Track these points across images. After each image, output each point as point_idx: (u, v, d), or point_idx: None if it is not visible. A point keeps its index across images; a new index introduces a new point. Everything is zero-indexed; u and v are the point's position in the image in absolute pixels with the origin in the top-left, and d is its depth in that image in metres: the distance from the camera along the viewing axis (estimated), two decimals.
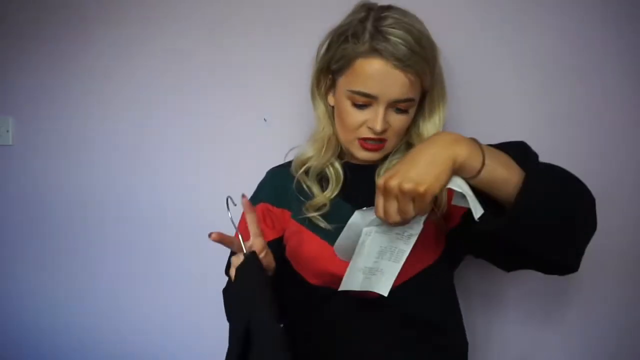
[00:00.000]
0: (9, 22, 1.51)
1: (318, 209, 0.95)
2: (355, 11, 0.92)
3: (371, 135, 0.91)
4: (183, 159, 1.37)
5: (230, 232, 0.87)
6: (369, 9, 0.91)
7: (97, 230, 1.46)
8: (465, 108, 1.17)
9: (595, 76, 1.12)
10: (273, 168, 1.06)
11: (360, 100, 0.89)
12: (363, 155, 0.94)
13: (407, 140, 0.98)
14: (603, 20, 1.11)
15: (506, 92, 1.16)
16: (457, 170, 0.72)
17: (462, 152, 0.71)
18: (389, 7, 0.91)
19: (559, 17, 1.13)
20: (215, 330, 1.32)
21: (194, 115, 1.36)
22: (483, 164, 0.72)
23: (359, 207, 0.95)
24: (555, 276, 1.16)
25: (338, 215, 0.93)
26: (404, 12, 0.89)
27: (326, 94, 0.98)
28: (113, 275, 1.45)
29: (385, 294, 0.79)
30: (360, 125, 0.91)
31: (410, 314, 0.91)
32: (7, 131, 1.52)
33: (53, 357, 1.53)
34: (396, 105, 0.89)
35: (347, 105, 0.91)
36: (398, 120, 0.91)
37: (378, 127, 0.89)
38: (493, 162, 0.72)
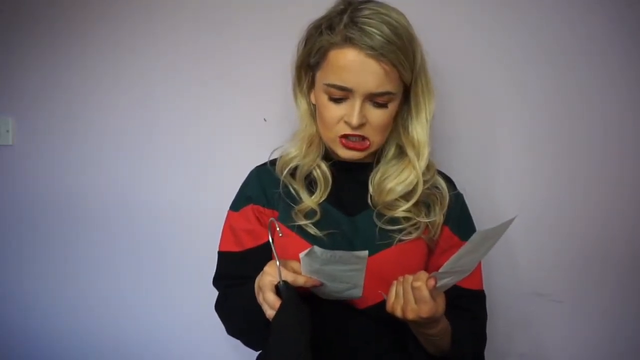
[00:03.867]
0: (9, 22, 1.51)
1: (307, 215, 0.92)
2: (335, 5, 0.91)
3: (349, 132, 0.89)
4: (183, 158, 1.37)
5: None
6: (348, 3, 0.90)
7: (98, 230, 1.45)
8: (457, 108, 1.17)
9: (592, 72, 1.12)
10: (258, 167, 1.03)
11: (336, 93, 0.87)
12: (346, 154, 0.91)
13: (397, 143, 0.96)
14: (597, 16, 1.11)
15: (499, 92, 1.17)
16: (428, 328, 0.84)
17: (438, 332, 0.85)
18: (368, 1, 0.89)
19: (552, 12, 1.13)
20: (214, 328, 1.32)
21: (194, 115, 1.36)
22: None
23: (349, 213, 0.94)
24: (553, 277, 1.17)
25: (328, 221, 0.92)
26: (383, 5, 0.88)
27: (309, 92, 0.96)
28: (115, 275, 1.45)
29: (359, 296, 0.84)
30: (338, 121, 0.89)
31: (400, 322, 0.90)
32: (7, 131, 1.52)
33: (53, 356, 1.53)
34: (374, 99, 0.87)
35: (325, 99, 0.89)
36: (377, 116, 0.89)
37: (354, 120, 0.86)
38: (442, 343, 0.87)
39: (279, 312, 0.77)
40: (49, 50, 1.47)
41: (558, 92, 1.14)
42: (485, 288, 1.00)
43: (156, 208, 1.40)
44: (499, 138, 1.18)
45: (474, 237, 0.74)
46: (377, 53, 0.83)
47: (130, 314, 1.44)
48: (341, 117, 0.89)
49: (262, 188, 0.98)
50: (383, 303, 0.86)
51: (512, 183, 1.18)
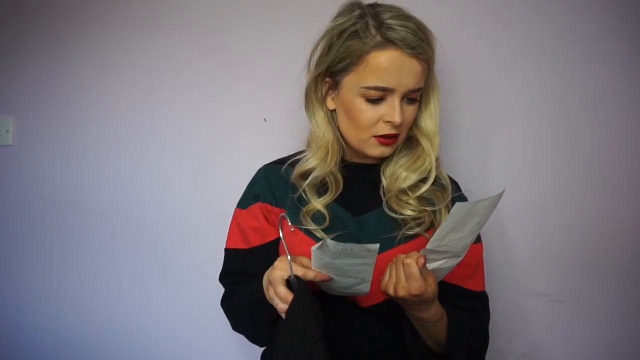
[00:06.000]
0: (9, 23, 1.51)
1: (314, 217, 0.93)
2: (346, 11, 0.92)
3: (388, 131, 0.90)
4: (184, 158, 1.37)
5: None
6: (359, 6, 0.91)
7: (98, 230, 1.46)
8: (457, 108, 1.17)
9: (592, 72, 1.12)
10: (265, 165, 1.03)
11: (376, 95, 0.88)
12: (379, 151, 0.93)
13: (404, 136, 0.97)
14: (598, 16, 1.11)
15: (499, 92, 1.17)
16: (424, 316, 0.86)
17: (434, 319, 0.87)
18: (376, 4, 0.92)
19: (553, 12, 1.13)
20: (216, 328, 1.32)
21: (194, 115, 1.36)
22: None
23: (356, 213, 0.94)
24: (553, 277, 1.17)
25: (335, 225, 0.92)
26: (397, 7, 0.90)
27: (323, 99, 0.96)
28: (115, 275, 1.45)
29: (367, 292, 0.85)
30: (377, 122, 0.90)
31: (402, 319, 0.91)
32: (7, 131, 1.52)
33: (54, 356, 1.53)
34: (408, 96, 0.90)
35: (360, 103, 0.90)
36: (410, 111, 0.91)
37: (398, 119, 0.88)
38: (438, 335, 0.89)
39: (292, 304, 0.78)
40: (49, 51, 1.47)
41: (558, 92, 1.14)
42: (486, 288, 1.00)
43: (156, 208, 1.40)
44: (499, 138, 1.18)
45: (454, 209, 0.76)
46: (416, 52, 0.86)
47: (131, 313, 1.44)
48: (379, 117, 0.90)
49: (270, 187, 0.99)
50: (387, 301, 0.86)
51: (512, 183, 1.17)
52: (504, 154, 1.18)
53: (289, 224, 0.90)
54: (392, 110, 0.88)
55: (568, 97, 1.13)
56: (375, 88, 0.88)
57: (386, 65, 0.86)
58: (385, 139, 0.91)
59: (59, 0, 1.46)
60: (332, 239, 0.90)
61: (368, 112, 0.90)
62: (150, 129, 1.39)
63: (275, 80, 1.26)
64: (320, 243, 0.77)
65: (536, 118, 1.15)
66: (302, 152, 1.00)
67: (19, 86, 1.51)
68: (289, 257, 0.81)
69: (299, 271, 0.80)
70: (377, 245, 0.77)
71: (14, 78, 1.52)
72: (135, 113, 1.41)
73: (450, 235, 0.79)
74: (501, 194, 0.77)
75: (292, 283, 0.80)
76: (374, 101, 0.89)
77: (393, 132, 0.90)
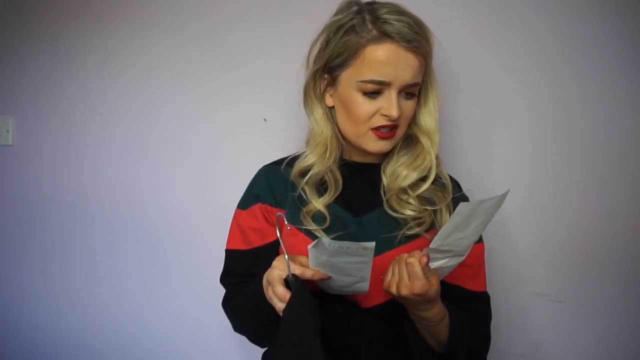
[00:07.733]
0: (8, 22, 1.51)
1: (315, 218, 0.93)
2: (345, 7, 0.93)
3: (385, 123, 0.90)
4: (184, 158, 1.37)
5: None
6: (357, 3, 0.92)
7: (98, 230, 1.46)
8: (457, 108, 1.17)
9: (593, 72, 1.12)
10: (265, 166, 1.03)
11: (373, 89, 0.89)
12: (378, 146, 0.92)
13: (403, 134, 0.97)
14: (598, 16, 1.11)
15: (499, 92, 1.17)
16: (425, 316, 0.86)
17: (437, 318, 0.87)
18: (374, 2, 0.92)
19: (553, 12, 1.13)
20: (216, 328, 1.32)
21: (194, 115, 1.36)
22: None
23: (356, 213, 0.94)
24: (553, 277, 1.17)
25: (335, 225, 0.92)
26: (394, 3, 0.91)
27: (322, 96, 0.97)
28: (115, 275, 1.45)
29: (366, 291, 0.84)
30: (374, 115, 0.90)
31: (404, 318, 0.90)
32: (7, 131, 1.52)
33: (54, 356, 1.53)
34: (405, 91, 0.90)
35: (357, 97, 0.90)
36: (408, 106, 0.91)
37: (395, 112, 0.88)
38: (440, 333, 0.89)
39: (290, 303, 0.78)
40: (49, 51, 1.47)
41: (558, 92, 1.14)
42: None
43: (156, 208, 1.40)
44: (499, 138, 1.18)
45: (458, 209, 0.76)
46: (412, 46, 0.87)
47: (131, 313, 1.44)
48: (377, 110, 0.90)
49: (270, 187, 0.99)
50: (387, 302, 0.86)
51: (512, 183, 1.17)
52: (504, 154, 1.18)
53: (286, 222, 0.90)
54: (390, 104, 0.89)
55: (568, 97, 1.13)
56: (372, 81, 0.88)
57: (383, 59, 0.87)
58: (384, 132, 0.91)
59: (59, 0, 1.46)
60: (332, 239, 0.90)
61: (365, 105, 0.90)
62: (150, 129, 1.39)
63: (275, 80, 1.26)
64: (315, 241, 0.77)
65: (536, 118, 1.15)
66: (302, 152, 1.00)
67: (19, 86, 1.51)
68: (286, 257, 0.81)
69: (296, 270, 0.81)
70: (373, 244, 0.77)
71: (14, 78, 1.52)
72: (135, 113, 1.41)
73: (454, 235, 0.79)
74: (505, 194, 0.77)
75: (290, 282, 0.80)
76: (371, 95, 0.89)
77: (386, 123, 0.90)
